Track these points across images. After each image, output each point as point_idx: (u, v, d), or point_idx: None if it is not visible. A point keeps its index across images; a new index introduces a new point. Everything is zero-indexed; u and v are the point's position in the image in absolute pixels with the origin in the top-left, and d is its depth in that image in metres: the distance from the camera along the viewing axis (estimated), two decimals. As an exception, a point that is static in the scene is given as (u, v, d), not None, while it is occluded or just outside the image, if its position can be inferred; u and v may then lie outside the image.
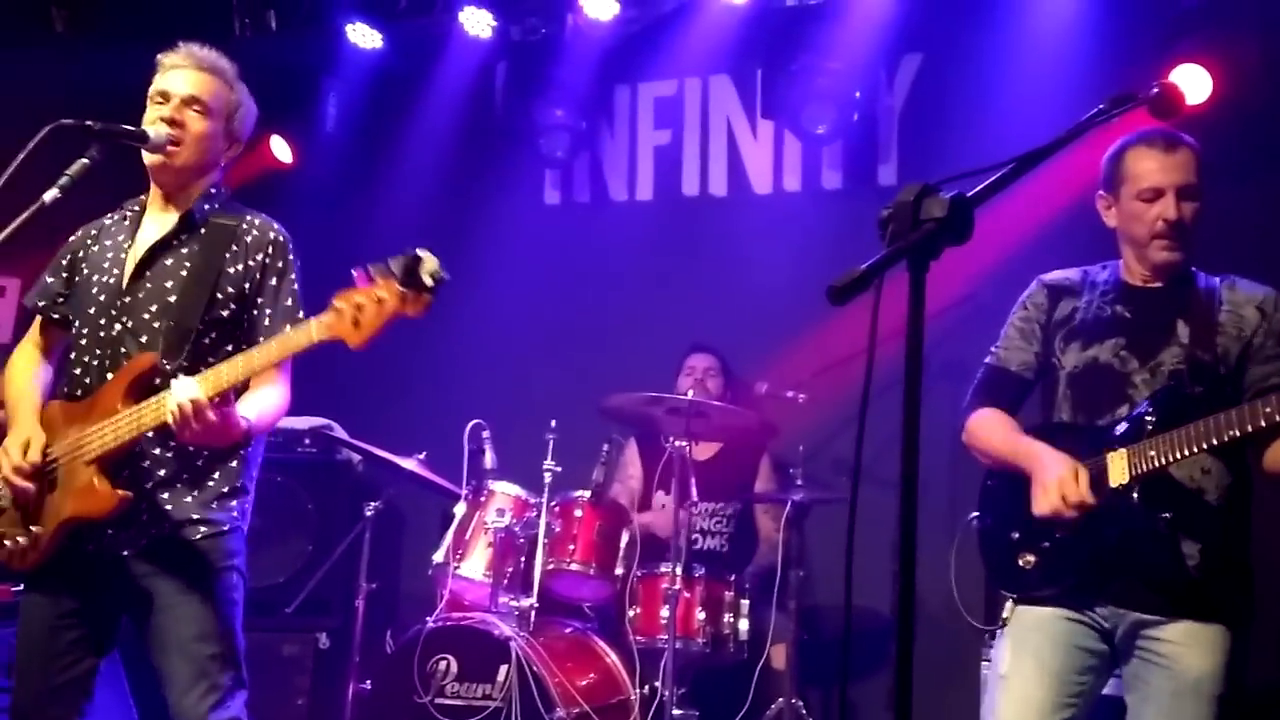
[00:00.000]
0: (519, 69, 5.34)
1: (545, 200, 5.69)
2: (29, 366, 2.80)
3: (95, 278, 2.73)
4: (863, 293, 1.48)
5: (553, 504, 4.11)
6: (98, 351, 2.67)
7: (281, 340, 2.45)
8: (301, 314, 2.70)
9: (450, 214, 5.61)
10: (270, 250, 2.72)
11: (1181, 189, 2.65)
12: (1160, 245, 2.66)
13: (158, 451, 2.62)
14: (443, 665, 3.89)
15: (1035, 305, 2.80)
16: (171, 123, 2.68)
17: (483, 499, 4.21)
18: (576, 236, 5.53)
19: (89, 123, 2.56)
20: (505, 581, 4.07)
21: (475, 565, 4.12)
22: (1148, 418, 2.53)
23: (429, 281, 2.24)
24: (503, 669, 3.80)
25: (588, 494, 4.17)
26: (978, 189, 1.62)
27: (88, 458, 2.54)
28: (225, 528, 2.65)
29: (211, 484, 2.65)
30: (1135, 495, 2.51)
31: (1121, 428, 2.58)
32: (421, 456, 4.44)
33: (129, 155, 2.72)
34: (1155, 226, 2.65)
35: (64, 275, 2.81)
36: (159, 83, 2.74)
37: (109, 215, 2.85)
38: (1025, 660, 2.66)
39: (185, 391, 2.39)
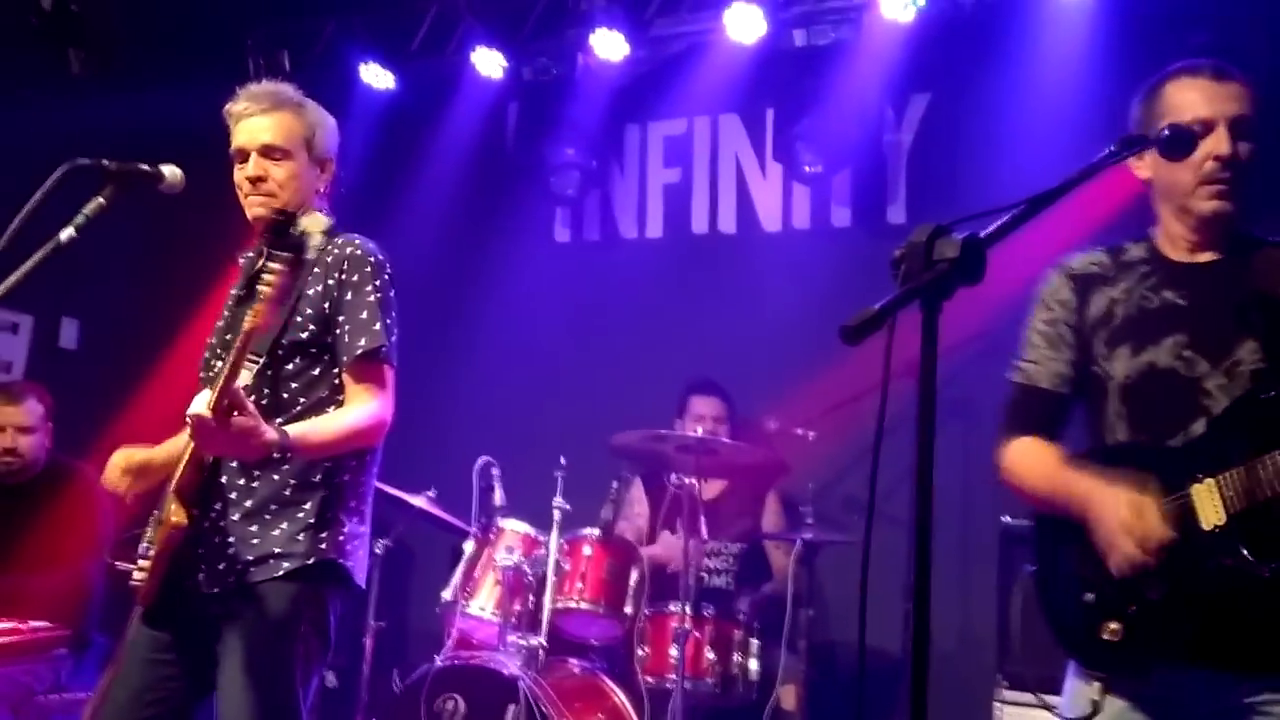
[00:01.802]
0: (530, 108, 5.38)
1: (556, 238, 5.72)
2: None
3: (216, 326, 2.77)
4: (876, 332, 1.48)
5: (562, 541, 4.10)
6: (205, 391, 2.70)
7: (237, 346, 2.35)
8: (378, 325, 2.58)
9: (462, 251, 5.64)
10: (346, 266, 2.61)
11: (1235, 121, 2.15)
12: (1209, 192, 2.14)
13: (242, 482, 2.56)
14: (450, 705, 3.86)
15: (1060, 303, 2.30)
16: (255, 181, 2.66)
17: (492, 536, 4.19)
18: (587, 274, 5.55)
19: (104, 162, 2.57)
20: (514, 620, 4.05)
21: (484, 603, 4.10)
22: (1235, 434, 2.05)
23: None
24: (510, 709, 3.77)
25: (597, 532, 4.15)
26: (990, 230, 1.62)
27: (172, 487, 2.54)
28: (310, 561, 2.53)
29: (301, 514, 2.55)
30: (1235, 537, 1.99)
31: (1201, 449, 2.09)
32: (431, 494, 4.44)
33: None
34: (1204, 168, 2.13)
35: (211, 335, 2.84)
36: (234, 139, 2.72)
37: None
38: None
39: (193, 406, 2.35)
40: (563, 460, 4.16)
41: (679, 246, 5.47)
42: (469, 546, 4.20)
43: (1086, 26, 4.46)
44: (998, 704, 3.79)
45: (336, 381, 2.61)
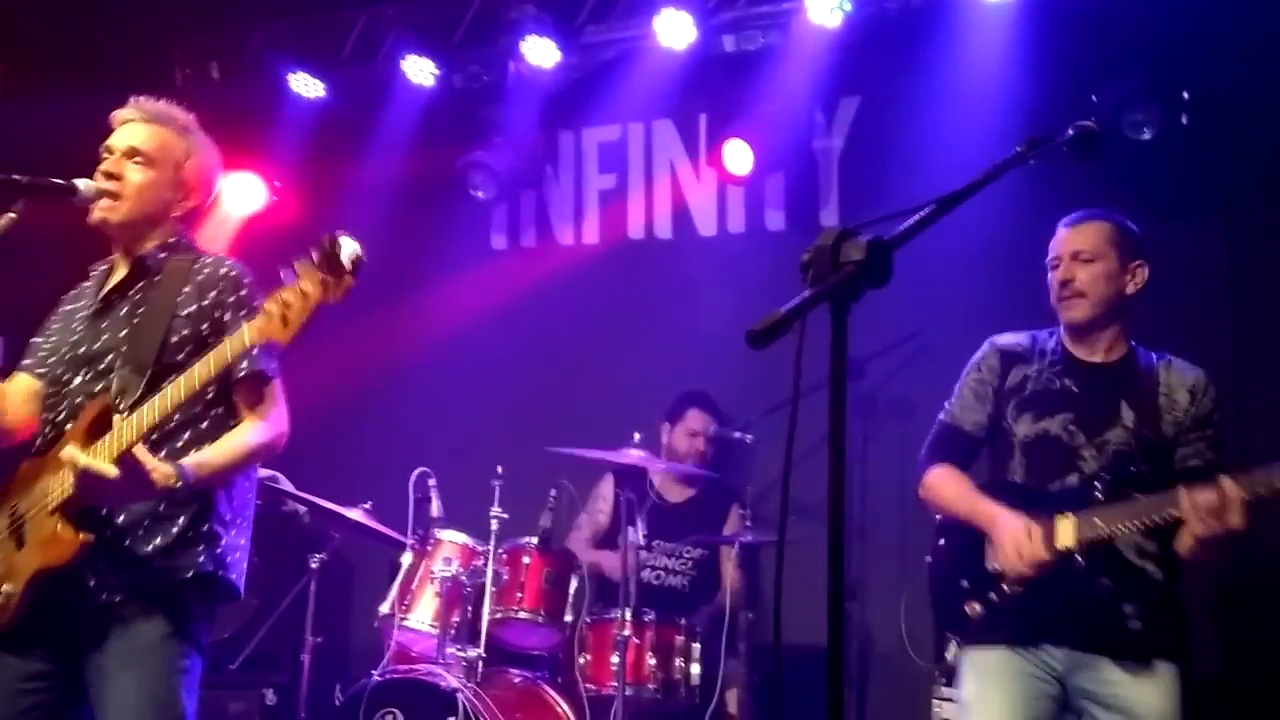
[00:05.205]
0: (462, 116, 5.36)
1: (491, 245, 5.70)
2: None
3: (63, 335, 2.72)
4: (783, 336, 1.49)
5: (500, 551, 4.07)
6: (60, 406, 2.64)
7: (216, 353, 2.34)
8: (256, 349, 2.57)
9: (396, 260, 5.58)
10: (222, 286, 2.63)
11: (1075, 253, 2.94)
12: (1062, 306, 2.97)
13: None
14: (389, 719, 3.82)
15: (989, 369, 3.03)
16: (109, 176, 2.64)
17: (429, 548, 4.16)
18: (523, 281, 5.53)
19: (15, 177, 2.53)
20: (453, 632, 4.02)
21: (422, 616, 4.06)
22: (1096, 490, 2.81)
23: (348, 265, 2.18)
24: (450, 721, 3.74)
25: (535, 541, 4.13)
26: (896, 233, 1.65)
27: (50, 507, 2.48)
28: (187, 574, 2.54)
29: (175, 529, 2.55)
30: (1080, 559, 2.74)
31: (1072, 495, 2.83)
32: (367, 506, 4.38)
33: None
34: (1056, 289, 2.98)
35: (52, 338, 2.78)
36: (109, 139, 2.71)
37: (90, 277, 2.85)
38: (989, 689, 2.87)
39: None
40: (500, 469, 4.14)
41: (616, 252, 5.47)
42: (406, 559, 4.16)
43: (1008, 29, 4.54)
44: (936, 701, 3.82)
45: (209, 397, 2.60)
